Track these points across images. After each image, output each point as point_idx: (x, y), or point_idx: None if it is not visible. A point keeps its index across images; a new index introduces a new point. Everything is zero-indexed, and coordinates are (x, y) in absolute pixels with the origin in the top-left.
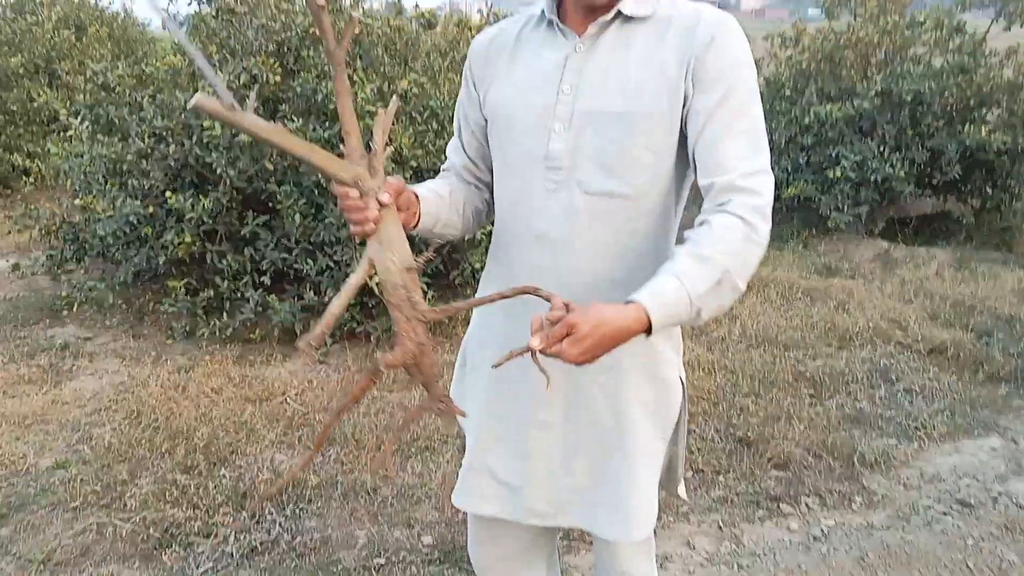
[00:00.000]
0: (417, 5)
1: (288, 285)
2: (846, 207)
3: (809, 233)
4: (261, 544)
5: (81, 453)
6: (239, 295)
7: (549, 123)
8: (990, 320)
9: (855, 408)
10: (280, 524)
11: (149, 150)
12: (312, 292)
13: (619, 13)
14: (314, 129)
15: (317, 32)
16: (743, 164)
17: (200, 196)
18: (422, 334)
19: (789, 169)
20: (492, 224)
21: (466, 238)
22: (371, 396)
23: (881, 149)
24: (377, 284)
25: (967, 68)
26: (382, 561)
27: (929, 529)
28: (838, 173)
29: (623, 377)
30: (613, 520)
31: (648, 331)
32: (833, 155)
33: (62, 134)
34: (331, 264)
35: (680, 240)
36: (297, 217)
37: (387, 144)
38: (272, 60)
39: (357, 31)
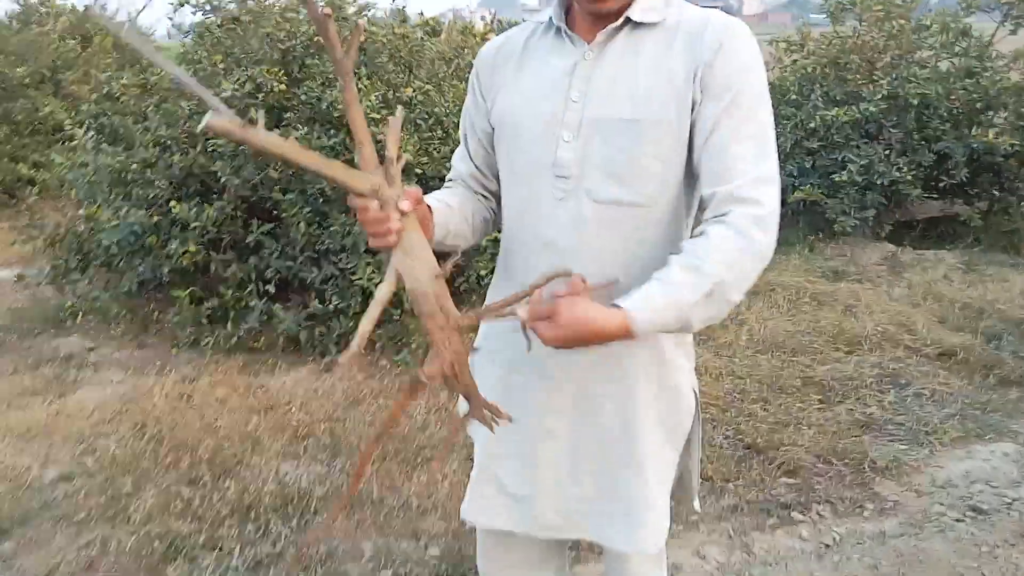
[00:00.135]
0: (421, 13)
1: (293, 294)
2: (853, 211)
3: (816, 237)
4: (267, 556)
5: (85, 465)
6: (244, 304)
7: (557, 131)
8: (999, 323)
9: (865, 413)
10: (286, 536)
11: (154, 159)
12: (317, 300)
13: (628, 20)
14: (319, 137)
15: (322, 41)
16: (748, 170)
17: (205, 205)
18: (457, 343)
19: (795, 173)
20: (499, 232)
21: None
22: (377, 405)
23: (888, 153)
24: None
25: (974, 71)
26: (389, 573)
27: (943, 536)
28: (845, 177)
29: (632, 385)
30: (623, 531)
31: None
32: (839, 159)
33: (67, 144)
34: (336, 272)
35: (678, 250)
36: (302, 225)
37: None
38: (277, 69)
39: (362, 39)
